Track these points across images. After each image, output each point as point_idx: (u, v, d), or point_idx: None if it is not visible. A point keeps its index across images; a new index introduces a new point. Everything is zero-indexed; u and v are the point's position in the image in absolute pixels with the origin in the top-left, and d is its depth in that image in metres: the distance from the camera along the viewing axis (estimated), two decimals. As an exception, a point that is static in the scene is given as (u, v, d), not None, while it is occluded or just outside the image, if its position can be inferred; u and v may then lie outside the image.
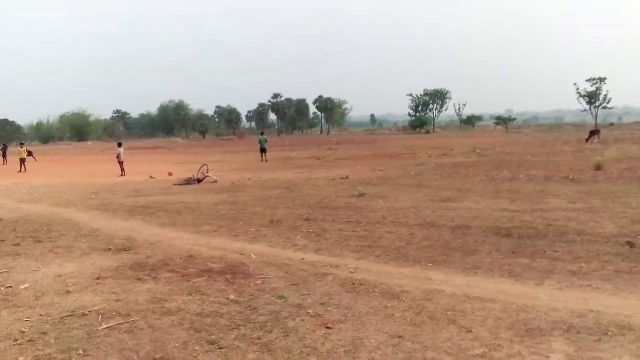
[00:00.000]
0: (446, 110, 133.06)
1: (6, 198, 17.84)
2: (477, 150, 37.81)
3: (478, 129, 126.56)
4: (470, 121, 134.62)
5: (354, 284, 7.06)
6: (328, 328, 5.50)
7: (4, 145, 46.52)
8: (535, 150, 36.31)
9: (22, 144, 38.95)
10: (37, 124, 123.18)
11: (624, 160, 25.17)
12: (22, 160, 33.63)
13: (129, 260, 8.60)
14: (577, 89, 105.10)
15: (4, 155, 42.25)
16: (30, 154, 46.18)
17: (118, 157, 28.06)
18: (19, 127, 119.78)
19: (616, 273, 7.28)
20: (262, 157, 36.41)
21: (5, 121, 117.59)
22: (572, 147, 38.61)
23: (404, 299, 6.43)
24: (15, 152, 39.55)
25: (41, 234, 10.93)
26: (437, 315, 5.83)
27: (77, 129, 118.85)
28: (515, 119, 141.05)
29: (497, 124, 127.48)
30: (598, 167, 21.09)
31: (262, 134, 41.45)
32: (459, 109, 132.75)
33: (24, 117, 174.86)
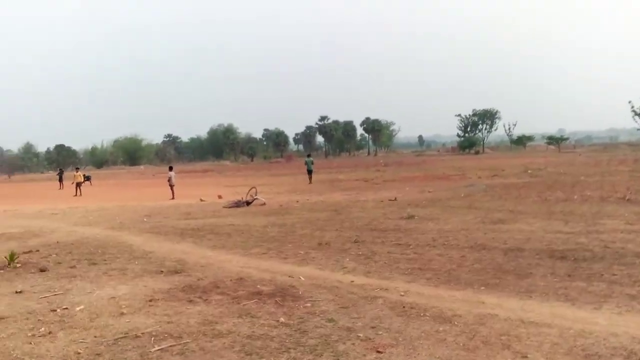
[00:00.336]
0: (495, 130, 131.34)
1: (62, 221, 18.40)
2: (529, 171, 37.08)
3: (529, 149, 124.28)
4: (520, 141, 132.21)
5: (404, 307, 6.97)
6: (379, 352, 5.43)
7: (60, 170, 48.16)
8: (590, 170, 35.36)
9: (77, 169, 40.26)
10: (91, 148, 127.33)
11: (684, 180, 24.24)
12: (78, 184, 34.66)
13: (180, 282, 8.72)
14: (632, 107, 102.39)
15: (61, 180, 43.68)
16: (87, 178, 47.70)
17: (169, 180, 28.57)
18: (74, 152, 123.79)
19: (679, 297, 6.98)
20: (309, 178, 37.15)
21: (61, 147, 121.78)
22: (628, 167, 37.44)
23: (456, 322, 6.30)
24: (70, 176, 40.83)
25: (96, 257, 11.22)
26: (490, 340, 5.68)
27: (129, 153, 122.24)
28: (567, 138, 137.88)
29: (549, 143, 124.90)
30: (656, 187, 20.39)
31: (309, 155, 43.00)
32: (509, 128, 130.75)
33: (79, 142, 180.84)
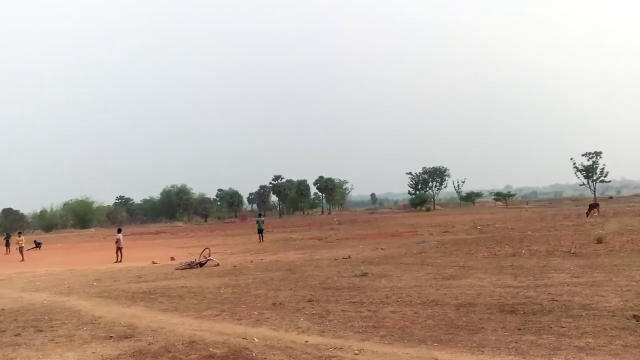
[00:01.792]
0: (445, 187, 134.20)
1: (8, 287, 17.76)
2: (478, 227, 37.83)
3: (478, 205, 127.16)
4: (469, 197, 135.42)
5: (358, 366, 6.96)
6: (333, 412, 5.40)
7: (7, 234, 46.63)
8: (536, 225, 36.31)
9: (19, 233, 38.90)
10: (40, 212, 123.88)
11: (625, 233, 25.16)
12: (21, 249, 33.60)
13: (130, 347, 8.51)
14: (574, 164, 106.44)
15: (7, 245, 42.24)
16: (38, 244, 46.24)
17: (117, 242, 28.18)
18: (22, 216, 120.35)
19: (624, 347, 7.20)
20: (259, 238, 37.99)
21: (9, 210, 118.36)
22: (572, 221, 38.62)
23: (409, 380, 6.33)
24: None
25: (42, 323, 10.84)
26: (444, 396, 5.72)
27: (80, 216, 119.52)
28: (514, 195, 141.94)
29: (496, 199, 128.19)
30: (599, 241, 21.08)
31: (260, 215, 45.69)
32: (458, 185, 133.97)
33: (28, 206, 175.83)
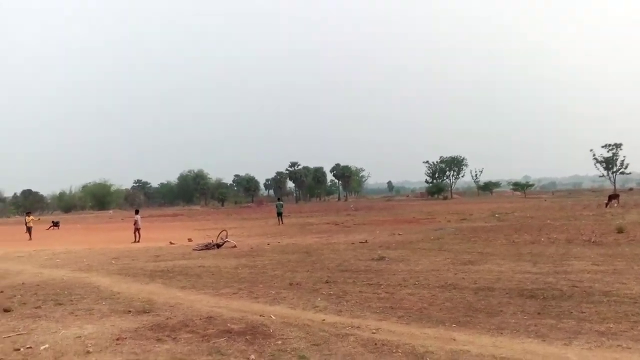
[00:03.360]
0: (462, 177, 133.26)
1: (28, 264, 17.97)
2: (496, 215, 37.54)
3: (495, 195, 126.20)
4: (487, 187, 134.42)
5: (376, 344, 6.93)
6: (351, 387, 5.38)
7: (26, 214, 47.16)
8: (555, 215, 35.96)
9: (28, 213, 38.40)
10: (59, 194, 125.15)
11: (647, 224, 24.80)
12: (29, 229, 33.69)
13: (148, 321, 8.56)
14: (594, 155, 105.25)
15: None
16: (56, 224, 46.76)
17: (135, 223, 28.44)
18: (41, 197, 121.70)
19: (646, 333, 7.09)
20: (279, 221, 39.12)
21: (29, 191, 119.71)
22: (592, 211, 38.20)
23: (428, 359, 6.29)
24: (40, 221, 39.70)
25: (62, 297, 10.95)
26: (463, 375, 5.67)
27: (98, 199, 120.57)
28: (532, 185, 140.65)
29: (514, 189, 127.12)
30: (620, 230, 20.81)
31: (279, 199, 46.33)
32: (476, 175, 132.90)
33: (47, 188, 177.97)
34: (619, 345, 6.63)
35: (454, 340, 7.09)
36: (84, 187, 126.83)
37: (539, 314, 8.39)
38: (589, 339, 6.94)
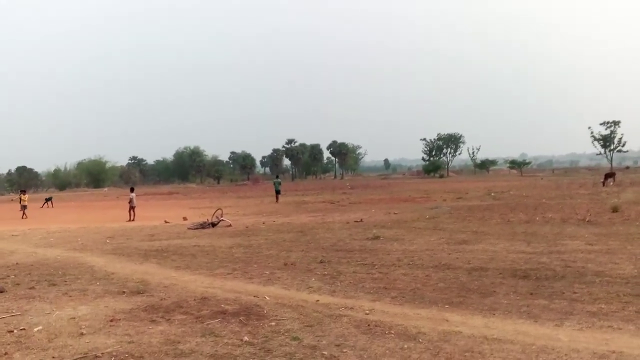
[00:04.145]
0: (460, 154, 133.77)
1: (22, 243, 17.96)
2: (492, 194, 37.63)
3: (492, 173, 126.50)
4: (484, 165, 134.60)
5: (369, 325, 6.96)
6: (343, 369, 5.40)
7: (21, 191, 47.05)
8: (551, 193, 36.07)
9: (23, 192, 38.02)
10: (54, 170, 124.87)
11: (641, 202, 24.88)
12: (24, 207, 33.53)
13: (142, 302, 8.56)
14: (592, 133, 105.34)
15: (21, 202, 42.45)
16: (49, 199, 46.72)
17: (130, 201, 28.38)
18: (36, 174, 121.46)
19: (637, 313, 7.13)
20: (276, 198, 39.95)
21: (23, 168, 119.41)
22: (587, 190, 38.32)
23: (420, 340, 6.31)
24: (34, 199, 39.43)
25: (56, 278, 10.94)
26: (454, 357, 5.70)
27: (93, 176, 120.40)
28: (529, 163, 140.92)
29: (511, 167, 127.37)
30: (615, 210, 20.89)
31: (277, 176, 46.98)
32: (473, 153, 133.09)
33: (42, 165, 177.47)
34: (609, 326, 6.66)
35: (447, 321, 7.12)
36: (79, 164, 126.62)
37: (531, 294, 8.43)
38: (580, 319, 6.98)
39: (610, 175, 48.17)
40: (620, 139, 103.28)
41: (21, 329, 7.15)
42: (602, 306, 7.55)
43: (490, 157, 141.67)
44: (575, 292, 8.40)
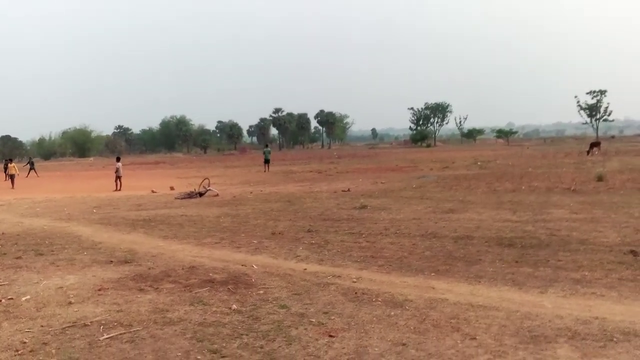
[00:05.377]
0: (447, 124, 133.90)
1: (8, 213, 17.85)
2: (479, 163, 37.84)
3: (479, 142, 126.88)
4: (471, 134, 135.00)
5: (356, 293, 7.03)
6: (331, 336, 5.47)
7: (5, 161, 46.49)
8: (537, 163, 36.31)
9: (9, 160, 37.35)
10: (39, 140, 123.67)
11: (625, 172, 25.14)
12: (11, 177, 33.04)
13: (130, 271, 8.58)
14: (578, 102, 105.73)
15: (6, 171, 41.93)
16: (31, 164, 46.33)
17: (116, 171, 28.09)
18: (20, 143, 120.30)
19: (620, 281, 7.25)
20: (265, 167, 39.61)
21: (7, 137, 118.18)
22: (573, 159, 38.60)
23: (407, 307, 6.39)
24: (19, 169, 38.76)
25: (43, 247, 10.91)
26: (440, 323, 5.79)
27: (79, 145, 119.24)
28: (516, 132, 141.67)
29: (498, 137, 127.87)
30: (599, 179, 21.07)
31: (267, 145, 48.13)
32: (460, 122, 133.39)
33: (26, 134, 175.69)
34: (593, 293, 6.78)
35: (433, 288, 7.20)
36: (64, 133, 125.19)
37: (516, 262, 8.53)
38: (564, 286, 7.09)
39: (595, 144, 48.49)
40: (607, 108, 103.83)
41: (9, 299, 7.15)
42: (586, 273, 7.66)
43: (477, 126, 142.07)
44: (559, 260, 8.51)
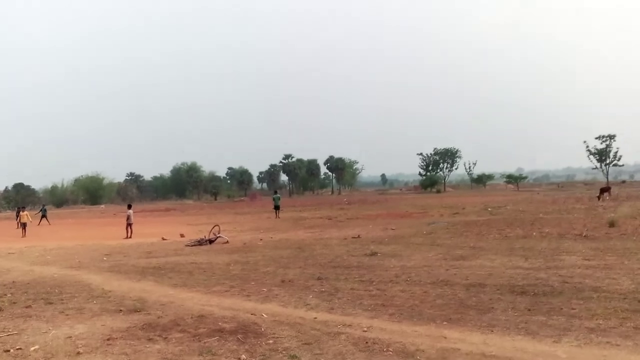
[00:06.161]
0: (456, 169, 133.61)
1: (19, 261, 17.91)
2: (489, 209, 37.66)
3: (489, 188, 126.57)
4: (481, 180, 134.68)
5: (367, 342, 6.95)
6: (341, 388, 5.39)
7: (18, 209, 46.90)
8: (548, 208, 36.11)
9: (22, 208, 37.85)
10: (51, 187, 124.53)
11: (638, 217, 24.94)
12: (24, 225, 33.23)
13: (139, 320, 8.54)
14: (587, 147, 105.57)
15: (18, 219, 42.27)
16: (43, 212, 46.74)
17: (127, 218, 28.28)
18: (33, 191, 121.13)
19: (635, 329, 7.13)
20: (275, 214, 39.97)
21: (20, 185, 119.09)
22: (584, 205, 38.37)
23: (418, 357, 6.30)
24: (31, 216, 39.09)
25: (52, 296, 10.91)
26: (452, 374, 5.69)
27: (90, 192, 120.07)
28: (526, 177, 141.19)
29: (507, 182, 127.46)
30: (611, 224, 20.91)
31: (276, 192, 47.86)
32: (469, 167, 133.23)
33: (39, 181, 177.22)
34: (607, 342, 6.66)
35: (445, 338, 7.11)
36: (76, 180, 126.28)
37: (529, 310, 8.42)
38: (579, 335, 6.98)
39: (605, 189, 48.27)
40: (616, 153, 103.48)
41: (18, 349, 7.12)
42: (600, 322, 7.55)
43: (487, 171, 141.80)
44: (573, 308, 8.40)
